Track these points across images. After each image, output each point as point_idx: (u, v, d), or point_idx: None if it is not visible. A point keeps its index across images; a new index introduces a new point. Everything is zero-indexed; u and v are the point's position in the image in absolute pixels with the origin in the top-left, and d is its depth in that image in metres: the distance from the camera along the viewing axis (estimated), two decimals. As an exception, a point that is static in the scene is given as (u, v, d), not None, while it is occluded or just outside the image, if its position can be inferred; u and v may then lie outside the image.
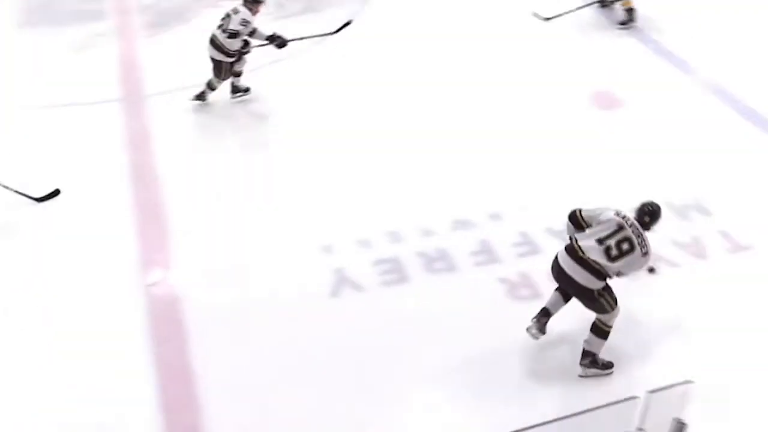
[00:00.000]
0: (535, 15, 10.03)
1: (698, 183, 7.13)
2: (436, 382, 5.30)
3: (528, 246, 6.46)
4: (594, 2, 10.30)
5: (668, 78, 8.97)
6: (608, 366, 5.25)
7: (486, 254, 6.42)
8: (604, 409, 4.33)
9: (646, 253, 5.03)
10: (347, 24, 9.30)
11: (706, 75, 8.90)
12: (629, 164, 7.38)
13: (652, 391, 4.27)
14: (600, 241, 5.00)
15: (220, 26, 8.25)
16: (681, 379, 4.42)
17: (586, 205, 5.28)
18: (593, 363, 5.23)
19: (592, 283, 5.01)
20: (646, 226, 5.15)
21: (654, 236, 5.24)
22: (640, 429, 4.25)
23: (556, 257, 5.14)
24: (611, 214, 5.10)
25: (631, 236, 5.02)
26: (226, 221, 6.93)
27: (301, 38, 8.78)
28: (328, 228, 6.76)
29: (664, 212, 5.38)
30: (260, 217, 6.98)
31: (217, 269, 6.35)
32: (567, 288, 5.14)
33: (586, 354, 5.23)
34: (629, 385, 4.97)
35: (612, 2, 10.38)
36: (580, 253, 4.99)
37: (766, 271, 6.14)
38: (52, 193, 7.36)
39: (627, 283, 5.33)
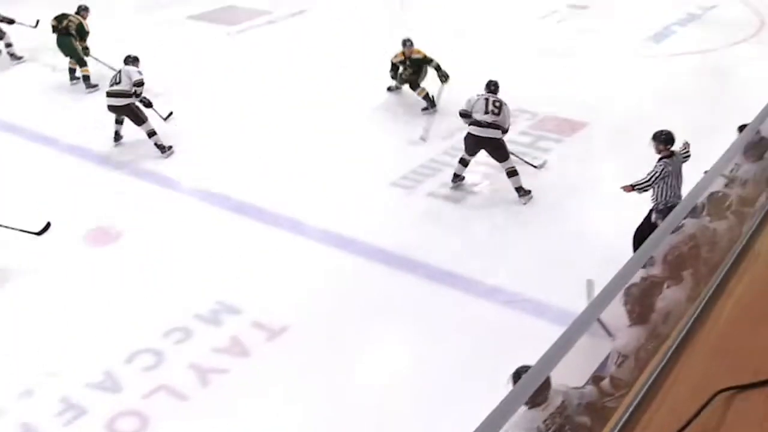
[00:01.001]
0: None
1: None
2: None
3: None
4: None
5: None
6: (528, 191, 8.91)
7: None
8: None
9: (505, 104, 8.89)
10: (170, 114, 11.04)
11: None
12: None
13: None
14: (486, 110, 8.78)
15: None
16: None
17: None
18: (524, 192, 8.86)
19: (498, 135, 8.79)
20: (494, 90, 9.08)
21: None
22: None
23: (469, 134, 8.91)
24: (476, 97, 8.95)
25: (497, 99, 8.90)
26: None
27: None
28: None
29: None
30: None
31: None
32: (483, 148, 8.91)
33: (518, 190, 8.88)
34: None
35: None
36: (486, 120, 8.78)
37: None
38: (46, 226, 8.26)
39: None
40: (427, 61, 11.14)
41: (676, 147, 7.39)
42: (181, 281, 7.61)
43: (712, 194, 4.06)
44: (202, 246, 8.23)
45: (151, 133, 10.25)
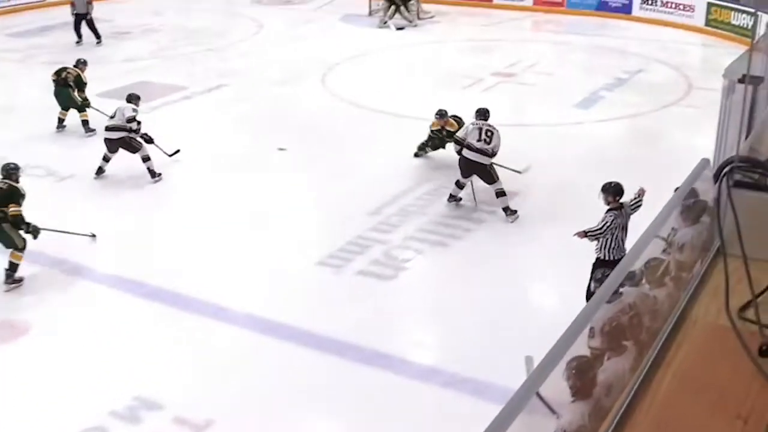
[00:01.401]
0: None
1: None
2: None
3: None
4: None
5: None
6: (515, 212, 10.29)
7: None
8: None
9: (496, 131, 10.29)
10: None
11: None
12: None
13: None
14: (479, 138, 10.17)
15: None
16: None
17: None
18: (511, 212, 10.19)
19: (485, 161, 10.19)
20: (485, 116, 10.48)
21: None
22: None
23: (462, 157, 10.28)
24: (471, 126, 10.36)
25: (490, 128, 10.26)
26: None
27: None
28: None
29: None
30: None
31: None
32: (475, 172, 10.29)
33: (505, 209, 10.23)
34: None
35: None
36: (476, 146, 10.16)
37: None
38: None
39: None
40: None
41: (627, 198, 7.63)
42: (94, 376, 7.41)
43: (650, 261, 4.17)
44: (117, 337, 8.05)
45: (146, 158, 11.72)
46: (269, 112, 14.73)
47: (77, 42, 20.01)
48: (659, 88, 15.86)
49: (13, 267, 9.04)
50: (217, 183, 11.69)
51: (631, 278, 3.41)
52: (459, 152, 10.50)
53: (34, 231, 9.04)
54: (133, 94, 12.22)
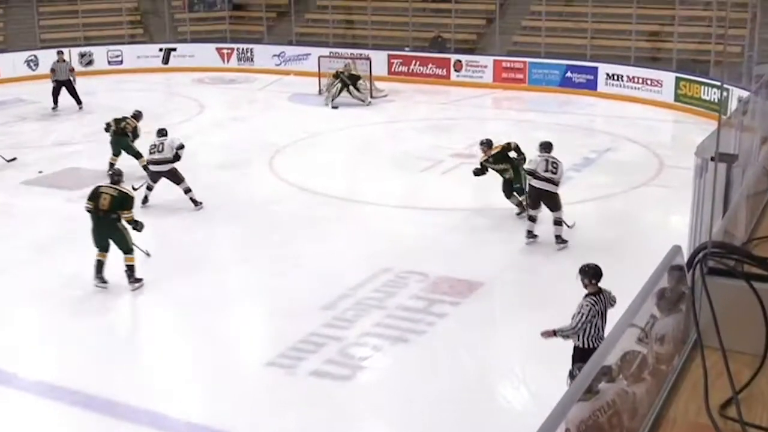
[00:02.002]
0: None
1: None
2: None
3: None
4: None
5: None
6: (565, 241, 12.15)
7: None
8: None
9: (560, 162, 12.24)
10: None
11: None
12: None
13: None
14: (546, 168, 12.00)
15: None
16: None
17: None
18: (561, 240, 12.01)
19: (554, 189, 12.08)
20: (548, 149, 12.37)
21: None
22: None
23: (531, 186, 12.21)
24: (538, 158, 12.19)
25: (555, 159, 12.14)
26: None
27: None
28: None
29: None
30: None
31: None
32: (542, 200, 12.07)
33: (557, 237, 12.14)
34: None
35: None
36: (544, 176, 12.01)
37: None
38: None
39: None
40: (507, 149, 13.35)
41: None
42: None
43: (626, 354, 4.20)
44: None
45: (187, 190, 14.04)
46: (211, 199, 14.73)
47: (53, 108, 21.87)
48: (629, 167, 16.20)
49: (132, 269, 11.09)
50: (153, 274, 11.59)
51: (607, 373, 3.44)
52: (477, 172, 13.43)
53: (141, 227, 11.21)
54: (163, 128, 14.47)
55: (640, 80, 22.64)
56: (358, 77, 22.78)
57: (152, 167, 14.14)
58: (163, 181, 14.03)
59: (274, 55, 28.23)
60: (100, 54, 27.94)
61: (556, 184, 12.12)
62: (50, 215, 14.12)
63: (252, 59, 28.55)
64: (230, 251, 12.55)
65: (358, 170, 16.81)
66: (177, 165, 14.06)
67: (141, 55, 28.20)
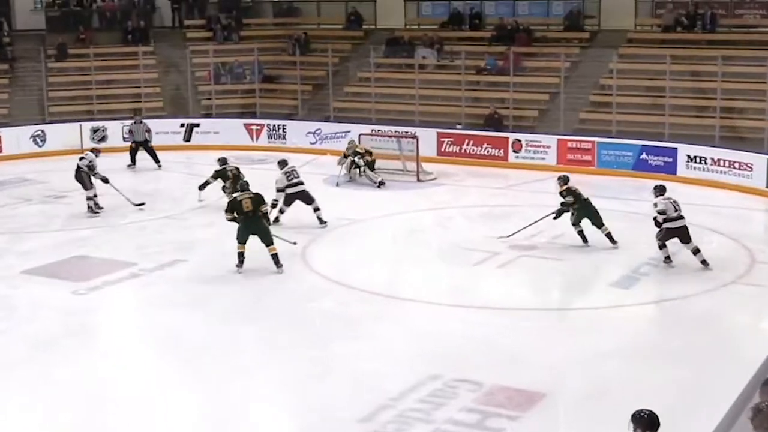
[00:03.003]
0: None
1: None
2: None
3: None
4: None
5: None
6: (707, 263, 15.71)
7: None
8: None
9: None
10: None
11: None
12: None
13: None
14: (675, 209, 15.59)
15: None
16: None
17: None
18: (706, 262, 15.77)
19: (686, 223, 15.70)
20: (663, 191, 16.14)
21: None
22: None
23: (668, 229, 15.56)
24: (663, 201, 15.69)
25: (675, 199, 15.93)
26: None
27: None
28: None
29: None
30: None
31: None
32: (675, 235, 15.67)
33: (703, 262, 15.66)
34: None
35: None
36: (675, 215, 15.58)
37: None
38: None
39: None
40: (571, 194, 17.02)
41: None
42: None
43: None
44: None
45: (316, 208, 18.97)
46: (236, 295, 14.78)
47: (129, 165, 25.51)
48: (714, 262, 16.02)
49: (277, 257, 15.76)
50: (168, 380, 11.59)
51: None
52: (571, 222, 17.10)
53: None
54: (284, 160, 19.75)
55: (727, 163, 22.51)
56: (365, 153, 23.29)
57: (298, 188, 18.83)
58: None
59: (309, 132, 28.56)
60: (114, 129, 28.15)
61: (683, 218, 15.61)
62: (52, 309, 14.24)
63: (284, 137, 28.89)
64: (254, 353, 12.51)
65: (402, 263, 16.78)
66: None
67: (160, 131, 28.47)
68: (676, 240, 15.49)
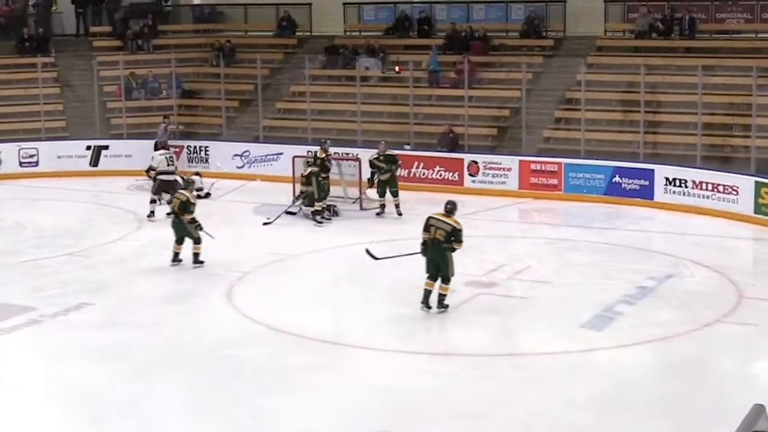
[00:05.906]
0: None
1: None
2: None
3: None
4: None
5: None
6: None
7: None
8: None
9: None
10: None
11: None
12: None
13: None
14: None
15: None
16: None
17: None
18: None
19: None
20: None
21: None
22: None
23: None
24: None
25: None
26: None
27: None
28: None
29: None
30: None
31: None
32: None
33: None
34: None
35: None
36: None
37: None
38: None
39: None
40: None
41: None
42: None
43: None
44: None
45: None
46: (151, 342, 14.66)
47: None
48: (697, 298, 16.18)
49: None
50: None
51: None
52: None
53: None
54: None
55: (710, 186, 22.74)
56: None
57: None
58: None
59: (236, 155, 28.63)
60: (9, 153, 28.12)
61: None
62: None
63: (206, 160, 28.91)
64: (172, 410, 12.41)
65: (343, 304, 16.77)
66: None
67: (62, 155, 28.38)
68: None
